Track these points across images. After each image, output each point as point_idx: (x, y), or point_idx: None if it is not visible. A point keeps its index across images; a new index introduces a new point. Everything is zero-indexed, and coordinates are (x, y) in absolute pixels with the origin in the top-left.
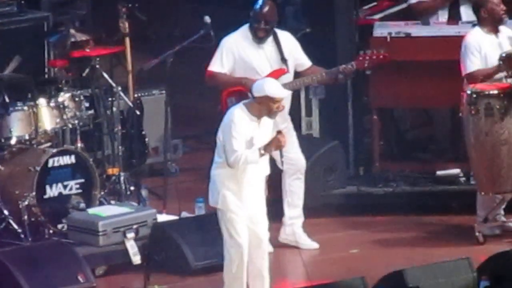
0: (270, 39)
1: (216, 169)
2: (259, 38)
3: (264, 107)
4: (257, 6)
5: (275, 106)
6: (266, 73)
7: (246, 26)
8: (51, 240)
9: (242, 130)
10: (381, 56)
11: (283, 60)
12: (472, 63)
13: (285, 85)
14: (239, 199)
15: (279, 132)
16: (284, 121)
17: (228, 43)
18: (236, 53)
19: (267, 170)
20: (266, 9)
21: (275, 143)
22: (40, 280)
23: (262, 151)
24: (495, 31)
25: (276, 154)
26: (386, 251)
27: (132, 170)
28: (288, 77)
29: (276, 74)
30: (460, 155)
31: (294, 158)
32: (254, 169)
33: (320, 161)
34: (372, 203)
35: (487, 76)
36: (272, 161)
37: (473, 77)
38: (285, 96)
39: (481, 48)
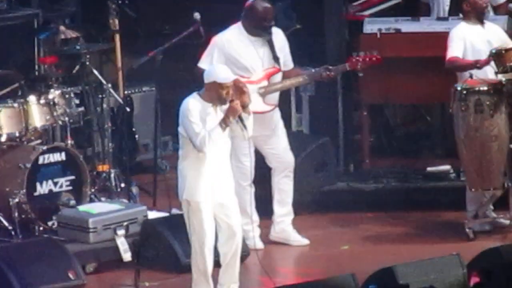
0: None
1: (180, 163)
2: (269, 34)
3: (213, 93)
4: (262, 5)
5: (224, 92)
6: (258, 71)
7: (238, 24)
8: (41, 237)
9: (197, 114)
10: (374, 58)
11: (275, 58)
12: (453, 50)
13: (260, 88)
14: (204, 189)
15: (231, 101)
16: (272, 121)
17: (221, 41)
18: (228, 52)
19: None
20: (271, 6)
21: (231, 111)
22: (30, 277)
23: (223, 125)
24: (480, 23)
25: (264, 150)
26: (376, 247)
27: (123, 167)
28: (280, 76)
29: (269, 73)
30: (450, 151)
31: (283, 156)
32: (218, 158)
33: (310, 158)
34: (362, 200)
35: (462, 66)
36: (262, 159)
37: (450, 62)
38: (230, 81)
39: (466, 38)
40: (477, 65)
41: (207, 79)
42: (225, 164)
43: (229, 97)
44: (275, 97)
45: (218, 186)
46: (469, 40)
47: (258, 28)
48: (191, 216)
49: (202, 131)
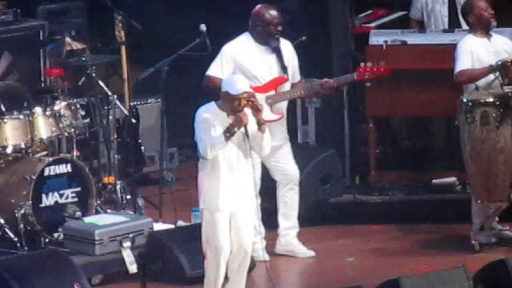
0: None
1: (199, 171)
2: (277, 40)
3: (227, 103)
4: (267, 11)
5: (235, 104)
6: (267, 80)
7: (246, 34)
8: (47, 249)
9: (208, 122)
10: (382, 69)
11: (283, 68)
12: (462, 62)
13: (268, 97)
14: (219, 199)
15: (240, 110)
16: (279, 132)
17: (230, 50)
18: (237, 60)
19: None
20: (277, 12)
21: (237, 121)
22: None
23: (227, 134)
24: (487, 35)
25: (269, 163)
26: (382, 259)
27: (128, 178)
28: (288, 85)
29: (276, 82)
30: (456, 163)
31: (288, 169)
32: (235, 169)
33: (316, 170)
34: (368, 212)
35: (476, 76)
36: (266, 173)
37: (462, 76)
38: (241, 92)
39: (473, 51)
40: (492, 68)
41: (222, 88)
42: (244, 177)
43: (240, 109)
44: (282, 106)
45: (233, 197)
46: (476, 53)
47: (266, 34)
48: (206, 225)
49: (206, 138)
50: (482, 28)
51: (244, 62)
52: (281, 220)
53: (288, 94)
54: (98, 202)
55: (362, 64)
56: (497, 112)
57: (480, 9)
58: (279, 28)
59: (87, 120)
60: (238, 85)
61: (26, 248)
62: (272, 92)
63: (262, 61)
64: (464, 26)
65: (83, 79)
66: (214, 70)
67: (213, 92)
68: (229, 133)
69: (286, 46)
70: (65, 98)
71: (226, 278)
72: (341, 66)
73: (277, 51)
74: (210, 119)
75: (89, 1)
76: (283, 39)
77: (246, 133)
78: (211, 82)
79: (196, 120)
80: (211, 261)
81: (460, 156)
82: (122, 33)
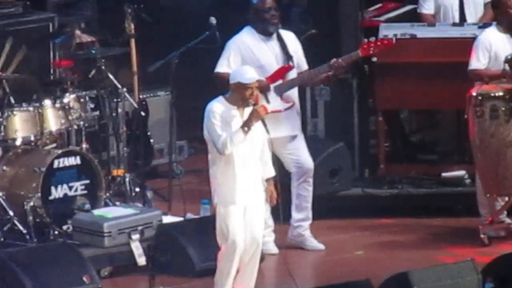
0: (275, 36)
1: (210, 167)
2: (274, 25)
3: (238, 94)
4: (257, 1)
5: (247, 93)
6: (274, 69)
7: (248, 27)
8: (56, 241)
9: (221, 117)
10: (386, 41)
11: (289, 56)
12: (478, 60)
13: (276, 87)
14: (234, 194)
15: (254, 104)
16: (293, 122)
17: (235, 44)
18: (244, 53)
19: (271, 172)
20: None
21: (255, 115)
22: (45, 281)
23: (246, 128)
24: (510, 32)
25: (282, 155)
26: (391, 253)
27: (137, 171)
28: (294, 73)
29: (283, 71)
30: (465, 157)
31: (302, 161)
32: (248, 161)
33: (326, 163)
34: (377, 205)
35: (489, 78)
36: (279, 165)
37: (474, 75)
38: (254, 81)
39: (492, 47)
40: (504, 77)
41: (231, 80)
42: (256, 169)
43: (253, 98)
44: (292, 94)
45: (246, 190)
46: (495, 50)
47: (261, 21)
48: (220, 220)
49: (224, 134)
50: (508, 25)
51: (250, 53)
52: (294, 212)
53: (296, 81)
54: (107, 194)
55: (364, 40)
56: (507, 106)
57: (507, 7)
58: (273, 12)
59: (97, 112)
60: (249, 74)
61: (35, 240)
62: (280, 82)
63: (267, 50)
64: (469, 19)
65: (92, 71)
66: (222, 65)
67: (224, 87)
68: (247, 127)
69: (289, 36)
70: (74, 90)
71: (237, 270)
72: None
73: (280, 40)
74: (222, 113)
75: None
76: (285, 30)
77: (265, 126)
78: (221, 78)
79: (208, 116)
80: (226, 255)
81: (469, 149)
82: (132, 25)
